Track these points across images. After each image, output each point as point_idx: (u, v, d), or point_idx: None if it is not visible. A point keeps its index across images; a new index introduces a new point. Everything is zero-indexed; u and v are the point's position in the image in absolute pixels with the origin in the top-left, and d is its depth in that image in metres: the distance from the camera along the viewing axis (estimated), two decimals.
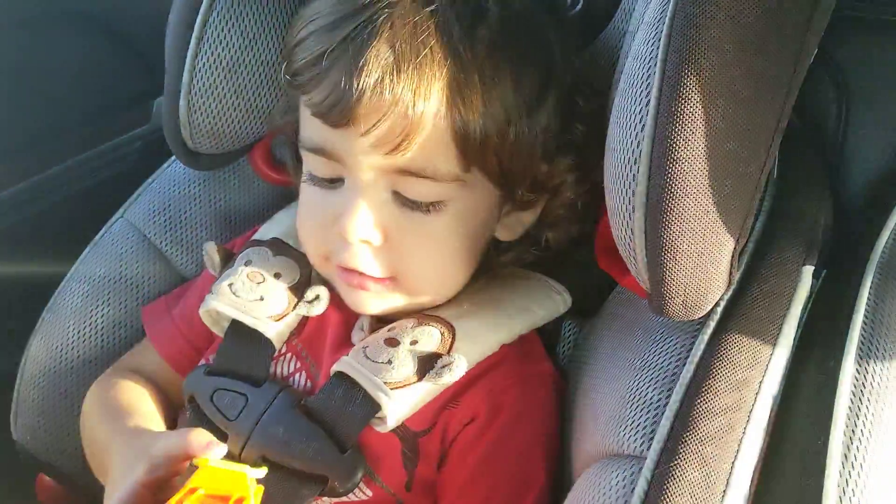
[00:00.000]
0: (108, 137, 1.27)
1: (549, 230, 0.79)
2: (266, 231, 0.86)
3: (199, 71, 0.82)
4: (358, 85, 0.63)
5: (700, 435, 0.58)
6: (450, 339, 0.72)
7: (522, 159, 0.71)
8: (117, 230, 0.95)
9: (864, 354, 0.63)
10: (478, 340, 0.73)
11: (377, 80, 0.63)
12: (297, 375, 0.78)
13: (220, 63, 0.82)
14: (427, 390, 0.70)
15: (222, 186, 0.96)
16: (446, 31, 0.65)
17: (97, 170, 1.24)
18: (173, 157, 0.96)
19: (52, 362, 0.91)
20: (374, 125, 0.64)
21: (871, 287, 0.67)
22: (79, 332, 0.91)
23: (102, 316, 0.92)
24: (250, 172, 0.96)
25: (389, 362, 0.70)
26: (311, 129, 0.70)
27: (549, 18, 0.73)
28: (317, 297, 0.78)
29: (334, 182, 0.71)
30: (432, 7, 0.65)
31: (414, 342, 0.71)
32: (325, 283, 0.79)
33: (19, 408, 0.91)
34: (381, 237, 0.70)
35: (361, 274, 0.72)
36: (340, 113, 0.65)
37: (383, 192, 0.69)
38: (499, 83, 0.67)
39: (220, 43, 0.81)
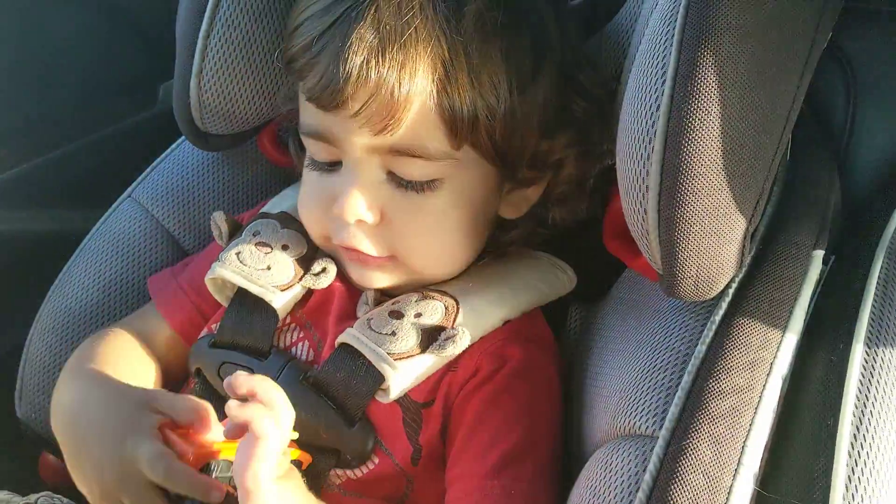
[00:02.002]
0: (114, 120, 1.26)
1: (555, 208, 0.79)
2: (275, 205, 0.86)
3: (211, 52, 0.82)
4: (345, 68, 0.64)
5: (712, 414, 0.58)
6: (454, 313, 0.72)
7: (517, 136, 0.71)
8: (125, 209, 0.95)
9: (873, 338, 0.63)
10: (482, 314, 0.73)
11: (363, 62, 0.64)
12: (299, 345, 0.78)
13: (232, 44, 0.82)
14: (430, 362, 0.70)
15: (230, 168, 0.96)
16: (431, 10, 0.65)
17: (104, 152, 1.24)
18: (182, 139, 0.96)
19: (57, 340, 0.91)
20: (362, 107, 0.65)
21: (880, 273, 0.67)
22: (85, 311, 0.91)
23: (109, 294, 0.91)
24: (258, 154, 0.96)
25: (393, 334, 0.70)
26: (308, 114, 0.71)
27: None
28: (323, 270, 0.78)
29: (333, 165, 0.72)
30: None
31: (418, 315, 0.72)
32: (332, 257, 0.79)
33: (24, 385, 0.91)
34: (378, 217, 0.71)
35: (360, 251, 0.72)
36: (331, 96, 0.66)
37: (378, 173, 0.70)
38: (487, 60, 0.67)
39: (232, 24, 0.81)
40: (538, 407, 0.72)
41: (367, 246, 0.72)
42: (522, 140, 0.72)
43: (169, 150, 0.98)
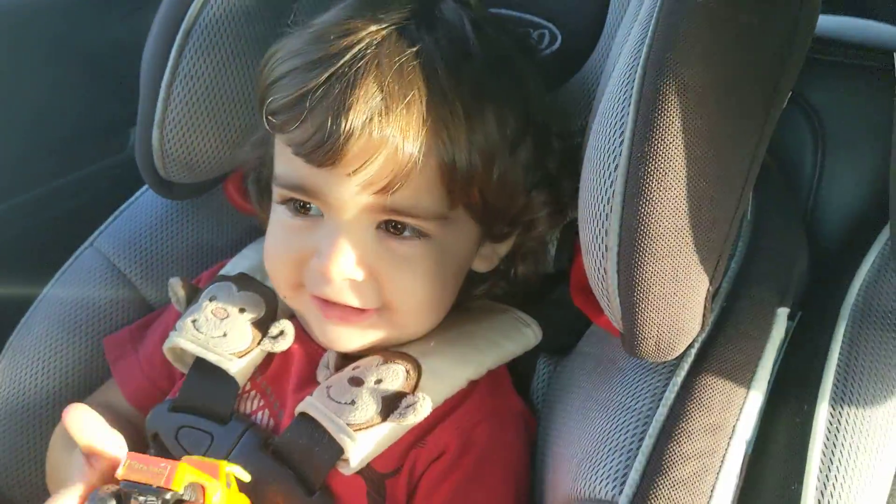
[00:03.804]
0: (82, 165, 1.25)
1: (520, 263, 0.79)
2: (233, 266, 0.85)
3: (174, 101, 0.81)
4: (346, 125, 0.63)
5: (672, 480, 0.57)
6: (415, 377, 0.70)
7: (505, 196, 0.71)
8: (86, 259, 0.93)
9: (838, 400, 0.62)
10: (445, 377, 0.72)
11: (366, 120, 0.63)
12: (259, 413, 0.76)
13: (195, 94, 0.81)
14: (391, 431, 0.68)
15: (194, 216, 0.95)
16: (432, 72, 0.65)
17: (70, 197, 1.22)
18: (146, 186, 0.95)
19: (15, 394, 0.89)
20: (362, 166, 0.64)
21: (844, 332, 0.67)
22: (44, 363, 0.89)
23: (69, 345, 0.90)
24: (223, 202, 0.95)
25: (353, 403, 0.69)
26: (290, 167, 0.69)
27: (526, 61, 0.74)
28: (281, 333, 0.76)
29: (306, 206, 0.70)
30: (417, 48, 0.65)
31: (378, 381, 0.70)
32: (291, 317, 0.78)
33: None
34: (365, 273, 0.69)
35: (344, 306, 0.71)
36: (326, 153, 0.64)
37: (367, 230, 0.69)
38: (483, 122, 0.67)
39: (195, 74, 0.81)
40: (508, 490, 0.71)
41: (353, 300, 0.70)
42: (509, 199, 0.72)
43: (133, 197, 0.97)
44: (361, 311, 0.71)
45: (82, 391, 0.88)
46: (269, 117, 0.68)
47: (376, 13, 0.67)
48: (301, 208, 0.71)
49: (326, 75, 0.64)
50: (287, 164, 0.69)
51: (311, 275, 0.71)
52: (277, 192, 0.72)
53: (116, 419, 0.80)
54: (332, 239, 0.68)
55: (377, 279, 0.70)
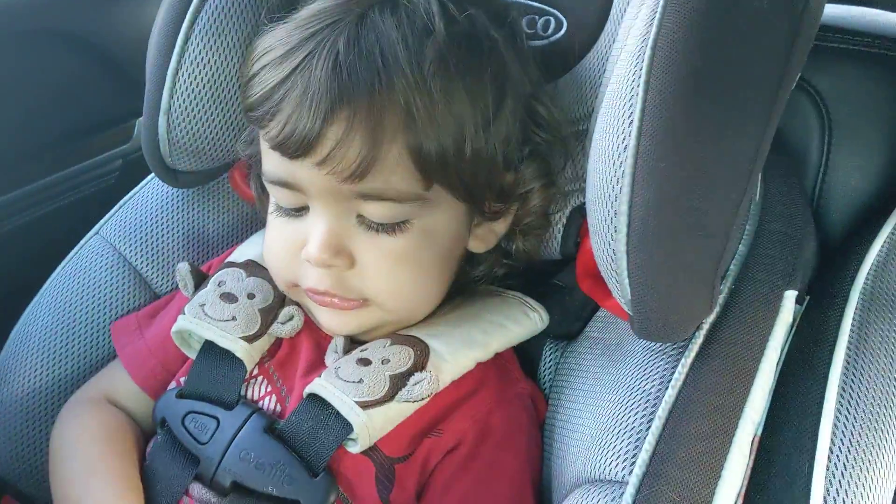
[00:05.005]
0: (90, 155, 1.25)
1: (521, 239, 0.78)
2: (241, 253, 0.85)
3: (180, 89, 0.81)
4: (309, 115, 0.63)
5: (681, 460, 0.57)
6: (423, 358, 0.71)
7: (483, 172, 0.70)
8: (92, 247, 0.93)
9: (848, 382, 0.62)
10: (452, 358, 0.72)
11: (327, 109, 0.63)
12: (267, 399, 0.76)
13: (201, 81, 0.81)
14: (400, 409, 0.69)
15: (200, 204, 0.94)
16: (393, 54, 0.64)
17: (77, 187, 1.22)
18: (152, 175, 0.95)
19: (19, 382, 0.88)
20: (328, 155, 0.64)
21: (854, 315, 0.67)
22: (49, 350, 0.89)
23: (74, 334, 0.89)
24: (228, 190, 0.94)
25: (361, 381, 0.69)
26: (272, 161, 0.70)
27: (499, 30, 0.72)
28: (290, 318, 0.77)
29: (300, 211, 0.71)
30: (377, 31, 0.65)
31: (386, 361, 0.70)
32: (299, 305, 0.78)
33: None
34: (349, 262, 0.70)
35: (334, 295, 0.71)
36: (296, 144, 0.65)
37: (348, 217, 0.69)
38: (451, 100, 0.66)
39: (202, 62, 0.81)
40: (525, 475, 0.71)
41: (338, 288, 0.71)
42: (489, 175, 0.71)
43: (139, 186, 0.97)
44: (349, 300, 0.72)
45: (88, 377, 0.87)
46: (249, 113, 0.70)
47: (347, 2, 0.67)
48: (292, 211, 0.72)
49: (291, 69, 0.65)
50: (269, 158, 0.70)
51: (303, 268, 0.71)
52: (268, 188, 0.73)
53: (114, 414, 0.81)
54: (315, 228, 0.69)
55: (362, 270, 0.70)
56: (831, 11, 0.92)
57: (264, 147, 0.70)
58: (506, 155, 0.72)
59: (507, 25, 0.74)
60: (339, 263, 0.69)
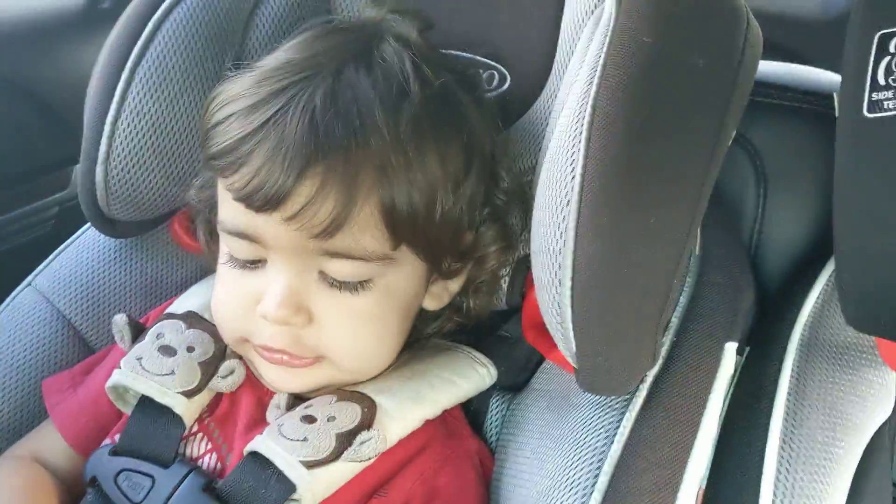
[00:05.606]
0: (25, 202, 1.22)
1: (472, 297, 0.78)
2: (181, 304, 0.82)
3: (119, 137, 0.79)
4: (281, 172, 0.62)
5: None
6: (370, 415, 0.69)
7: (449, 232, 0.70)
8: (24, 299, 0.89)
9: (789, 432, 0.63)
10: (400, 416, 0.71)
11: (303, 165, 0.62)
12: (207, 457, 0.73)
13: (141, 130, 0.80)
14: (345, 469, 0.67)
15: (140, 254, 0.92)
16: (370, 112, 0.64)
17: (10, 236, 1.18)
18: (88, 224, 0.93)
19: None
20: (299, 211, 0.63)
21: (793, 365, 0.68)
22: None
23: (4, 391, 0.85)
24: (168, 240, 0.92)
25: (306, 439, 0.67)
26: (232, 212, 0.68)
27: (468, 96, 0.73)
28: (231, 372, 0.75)
29: (256, 263, 0.70)
30: (354, 89, 0.65)
31: (332, 418, 0.69)
32: (240, 357, 0.76)
33: None
34: (308, 319, 0.68)
35: (288, 353, 0.69)
36: (265, 199, 0.63)
37: (309, 274, 0.68)
38: (424, 161, 0.66)
39: (142, 111, 0.79)
40: None
41: (296, 348, 0.69)
42: (453, 235, 0.71)
43: (75, 235, 0.94)
44: (303, 357, 0.70)
45: (21, 434, 0.83)
46: (211, 161, 0.68)
47: (316, 56, 0.67)
48: (247, 263, 0.70)
49: (262, 121, 0.64)
50: (229, 208, 0.68)
51: (255, 323, 0.70)
52: (222, 237, 0.71)
53: (40, 474, 0.77)
54: (274, 283, 0.67)
55: (320, 327, 0.69)
56: (766, 69, 0.95)
57: (224, 196, 0.69)
58: (469, 215, 0.72)
59: (474, 87, 0.75)
60: (297, 321, 0.68)
